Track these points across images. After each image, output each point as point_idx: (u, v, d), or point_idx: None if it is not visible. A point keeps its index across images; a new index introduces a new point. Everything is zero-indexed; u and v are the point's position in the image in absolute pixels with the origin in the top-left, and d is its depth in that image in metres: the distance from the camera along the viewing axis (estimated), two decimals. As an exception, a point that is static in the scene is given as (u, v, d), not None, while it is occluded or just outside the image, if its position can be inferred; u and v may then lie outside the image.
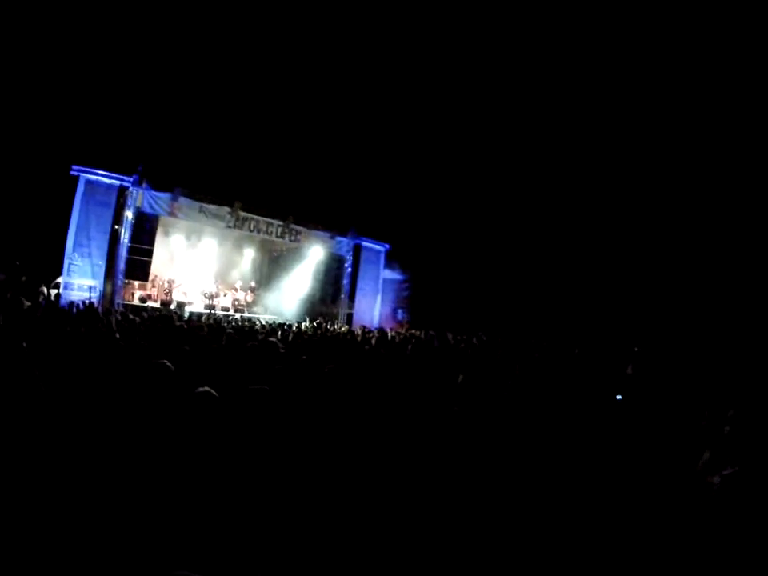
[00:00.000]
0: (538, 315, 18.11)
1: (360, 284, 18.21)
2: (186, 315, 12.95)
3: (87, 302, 10.82)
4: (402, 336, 11.79)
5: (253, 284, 18.28)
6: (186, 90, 18.00)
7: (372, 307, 18.71)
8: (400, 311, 20.23)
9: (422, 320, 18.06)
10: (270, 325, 12.25)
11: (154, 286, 15.87)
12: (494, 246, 20.71)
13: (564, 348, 9.92)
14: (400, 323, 19.08)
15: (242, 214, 15.71)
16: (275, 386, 3.82)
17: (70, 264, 12.54)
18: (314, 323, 13.94)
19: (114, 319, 7.57)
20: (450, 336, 12.24)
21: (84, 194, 12.59)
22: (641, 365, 6.21)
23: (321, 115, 20.59)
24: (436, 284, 20.55)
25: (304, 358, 5.08)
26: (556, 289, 19.02)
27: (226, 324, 11.05)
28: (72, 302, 9.62)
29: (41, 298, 10.55)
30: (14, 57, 14.34)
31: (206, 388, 2.73)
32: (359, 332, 12.53)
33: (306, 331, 11.49)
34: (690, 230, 16.49)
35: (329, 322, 15.08)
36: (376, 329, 14.54)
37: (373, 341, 9.40)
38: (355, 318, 17.64)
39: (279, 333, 9.54)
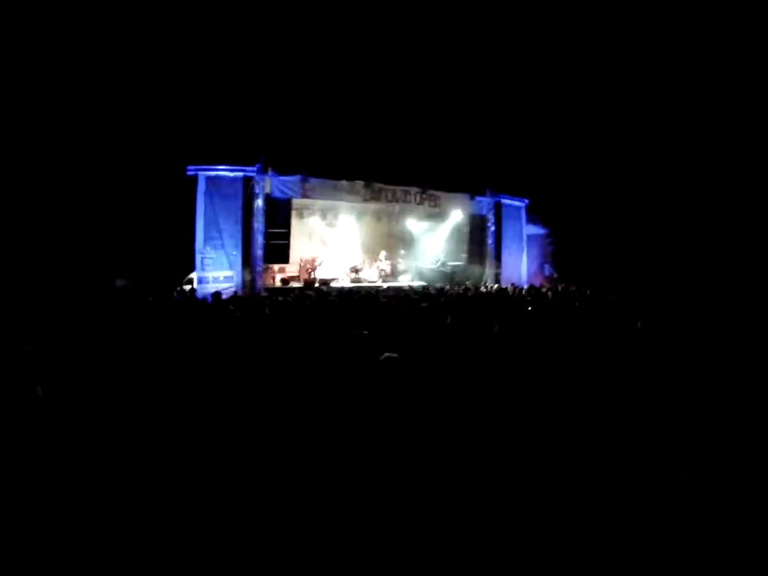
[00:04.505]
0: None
1: (505, 242, 17.88)
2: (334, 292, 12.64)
3: (229, 291, 11.06)
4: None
5: (402, 252, 18.71)
6: (294, 73, 17.88)
7: (518, 265, 18.35)
8: (547, 266, 19.52)
9: (570, 274, 17.28)
10: (422, 289, 12.61)
11: (295, 268, 16.38)
12: (634, 188, 18.91)
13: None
14: (548, 279, 18.41)
15: (378, 185, 15.69)
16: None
17: (203, 258, 12.77)
18: (462, 287, 13.87)
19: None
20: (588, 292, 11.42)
21: (206, 189, 12.92)
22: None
23: (443, 75, 20.12)
24: (580, 235, 19.40)
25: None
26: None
27: (374, 293, 10.90)
28: (217, 293, 9.23)
29: (175, 294, 10.47)
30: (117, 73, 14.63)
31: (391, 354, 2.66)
32: (511, 290, 12.38)
33: (457, 291, 11.52)
34: None
35: (480, 283, 14.99)
36: (526, 286, 14.25)
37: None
38: (503, 276, 17.42)
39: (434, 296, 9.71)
